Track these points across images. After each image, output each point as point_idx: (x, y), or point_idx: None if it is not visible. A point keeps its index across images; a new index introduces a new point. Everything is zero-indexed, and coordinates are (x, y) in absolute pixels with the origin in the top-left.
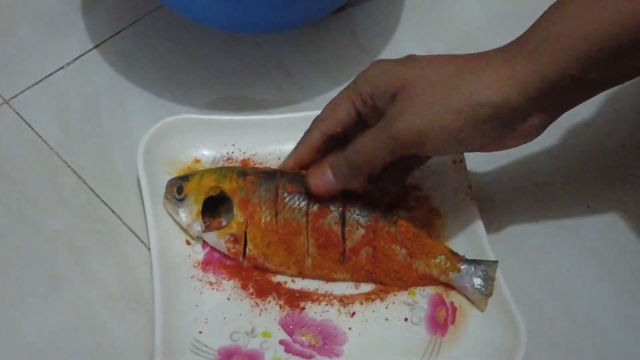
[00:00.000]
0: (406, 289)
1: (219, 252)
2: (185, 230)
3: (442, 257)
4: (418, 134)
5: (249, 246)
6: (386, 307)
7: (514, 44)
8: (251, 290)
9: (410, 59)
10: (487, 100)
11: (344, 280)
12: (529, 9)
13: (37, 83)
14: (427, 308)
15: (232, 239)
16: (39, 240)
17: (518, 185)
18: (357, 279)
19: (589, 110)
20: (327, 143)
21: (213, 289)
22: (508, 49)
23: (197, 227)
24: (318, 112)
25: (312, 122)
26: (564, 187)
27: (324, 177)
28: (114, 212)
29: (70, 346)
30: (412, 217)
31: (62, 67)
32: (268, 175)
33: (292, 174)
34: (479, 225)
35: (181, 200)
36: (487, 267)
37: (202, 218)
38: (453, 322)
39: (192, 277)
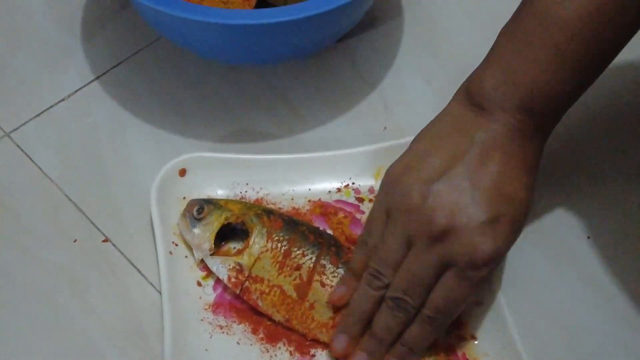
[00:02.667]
0: None
1: (230, 294)
2: (192, 271)
3: None
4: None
5: (250, 281)
6: None
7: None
8: (261, 335)
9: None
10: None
11: (324, 342)
12: None
13: (38, 115)
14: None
15: (237, 268)
16: (40, 273)
17: None
18: None
19: (589, 141)
20: None
21: (223, 332)
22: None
23: (207, 246)
24: (328, 152)
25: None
26: (564, 218)
27: None
28: (115, 245)
29: None
30: None
31: (63, 99)
32: (291, 222)
33: (313, 227)
34: (494, 279)
35: (199, 219)
36: None
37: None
38: None
39: (202, 320)
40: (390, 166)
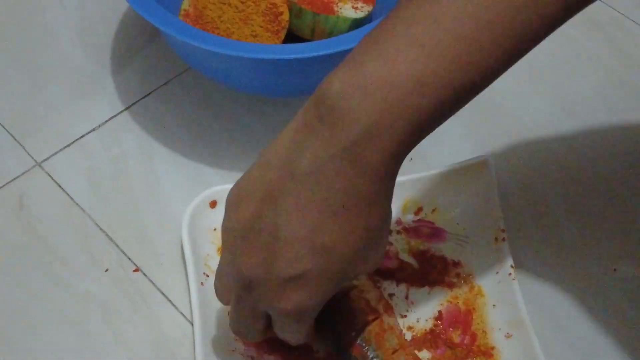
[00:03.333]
0: None
1: None
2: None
3: None
4: None
5: None
6: None
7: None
8: None
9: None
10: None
11: None
12: (550, 70)
13: (68, 145)
14: None
15: None
16: (71, 301)
17: (544, 250)
18: None
19: (613, 173)
20: None
21: None
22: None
23: None
24: None
25: None
26: (590, 250)
27: None
28: (146, 275)
29: None
30: (456, 295)
31: (93, 129)
32: None
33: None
34: (522, 310)
35: None
36: None
37: None
38: None
39: (233, 351)
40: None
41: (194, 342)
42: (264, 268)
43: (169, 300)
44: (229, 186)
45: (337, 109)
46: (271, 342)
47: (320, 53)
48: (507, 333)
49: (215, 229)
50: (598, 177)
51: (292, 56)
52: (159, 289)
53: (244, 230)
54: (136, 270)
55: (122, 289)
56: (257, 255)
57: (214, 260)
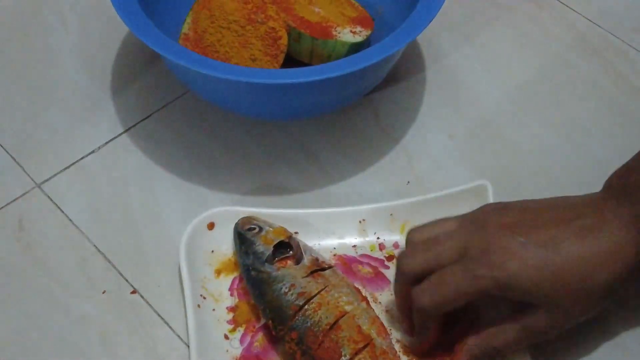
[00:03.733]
0: None
1: (258, 347)
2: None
3: None
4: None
5: None
6: None
7: (619, 199)
8: None
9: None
10: (601, 284)
11: None
12: (548, 96)
13: (67, 167)
14: None
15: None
16: (68, 323)
17: None
18: None
19: None
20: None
21: None
22: (611, 207)
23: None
24: (355, 207)
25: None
26: None
27: None
28: (143, 297)
29: None
30: None
31: (93, 151)
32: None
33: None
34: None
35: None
36: None
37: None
38: None
39: None
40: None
41: None
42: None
43: (166, 323)
44: (227, 208)
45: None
46: None
47: (319, 78)
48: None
49: (212, 251)
50: None
51: (291, 81)
52: (155, 311)
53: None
54: (134, 292)
55: (120, 311)
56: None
57: (211, 283)
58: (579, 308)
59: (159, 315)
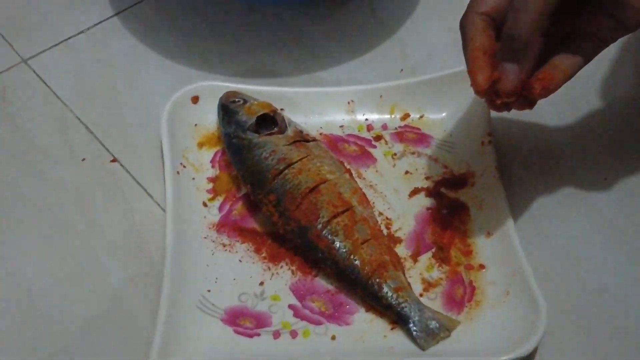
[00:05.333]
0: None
1: (237, 215)
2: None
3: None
4: None
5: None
6: None
7: None
8: (264, 254)
9: None
10: None
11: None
12: None
13: (56, 45)
14: (444, 284)
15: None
16: (47, 188)
17: (535, 158)
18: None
19: (605, 81)
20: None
21: (226, 250)
22: None
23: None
24: (344, 88)
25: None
26: (581, 159)
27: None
28: (123, 165)
29: (71, 291)
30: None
31: (82, 32)
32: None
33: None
34: (505, 209)
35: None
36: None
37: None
38: (470, 300)
39: (205, 238)
40: None
41: (165, 228)
42: None
43: (144, 190)
44: (213, 83)
45: None
46: (245, 232)
47: None
48: (488, 232)
49: (196, 125)
50: (589, 88)
51: None
52: (135, 179)
53: None
54: (113, 160)
55: (98, 178)
56: None
57: (193, 154)
58: None
59: (138, 182)
